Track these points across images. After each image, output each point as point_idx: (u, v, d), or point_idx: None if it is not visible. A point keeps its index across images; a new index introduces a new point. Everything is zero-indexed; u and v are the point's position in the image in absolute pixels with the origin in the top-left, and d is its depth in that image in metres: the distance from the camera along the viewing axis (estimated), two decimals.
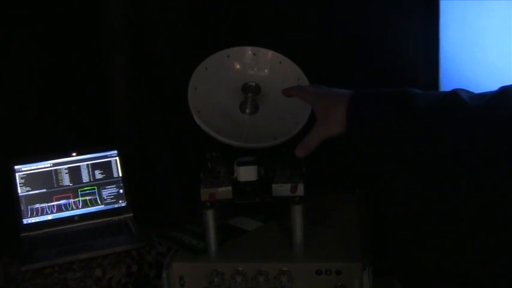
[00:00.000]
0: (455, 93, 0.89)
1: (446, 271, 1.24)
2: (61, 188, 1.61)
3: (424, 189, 1.12)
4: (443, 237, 1.21)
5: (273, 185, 1.16)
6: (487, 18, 1.23)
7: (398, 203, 1.31)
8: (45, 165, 1.60)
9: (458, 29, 1.30)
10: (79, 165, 1.63)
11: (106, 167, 1.64)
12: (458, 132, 0.87)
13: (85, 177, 1.62)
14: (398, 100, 0.94)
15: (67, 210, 1.61)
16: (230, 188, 1.17)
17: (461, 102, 0.88)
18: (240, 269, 1.17)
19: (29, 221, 1.58)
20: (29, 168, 1.59)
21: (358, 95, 1.00)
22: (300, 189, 1.16)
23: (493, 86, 1.16)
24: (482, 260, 1.15)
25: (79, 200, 1.62)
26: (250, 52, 1.29)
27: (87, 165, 1.63)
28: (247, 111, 1.25)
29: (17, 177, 1.58)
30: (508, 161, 0.85)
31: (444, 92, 0.92)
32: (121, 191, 1.64)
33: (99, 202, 1.63)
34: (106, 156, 1.64)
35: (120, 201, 1.64)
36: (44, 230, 1.59)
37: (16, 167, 1.59)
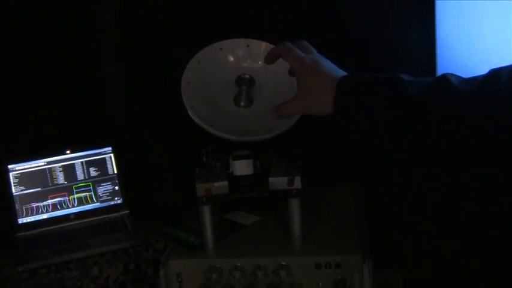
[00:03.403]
0: (445, 78, 0.87)
1: (446, 261, 1.23)
2: (56, 187, 1.59)
3: (415, 175, 1.10)
4: (441, 226, 1.20)
5: (270, 179, 1.15)
6: (484, 3, 1.22)
7: (391, 190, 1.30)
8: (39, 163, 1.59)
9: (454, 16, 1.28)
10: (73, 163, 1.61)
11: (101, 164, 1.62)
12: (448, 119, 0.85)
13: (80, 175, 1.61)
14: (388, 86, 0.91)
15: (62, 208, 1.59)
16: (226, 182, 1.16)
17: (452, 87, 0.85)
18: (238, 264, 1.16)
19: (24, 221, 1.57)
20: (23, 167, 1.57)
21: (346, 79, 0.96)
22: (297, 182, 1.15)
23: None
24: (481, 249, 1.14)
25: (74, 198, 1.60)
26: (243, 44, 1.27)
27: (82, 162, 1.61)
28: (242, 104, 1.23)
29: (11, 177, 1.56)
30: (500, 148, 0.83)
31: (433, 77, 0.90)
32: (116, 187, 1.63)
33: (95, 200, 1.61)
34: (100, 153, 1.63)
35: (116, 198, 1.63)
36: (40, 229, 1.57)
37: (10, 166, 1.57)
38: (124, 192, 1.63)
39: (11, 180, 1.56)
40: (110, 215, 1.61)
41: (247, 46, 1.27)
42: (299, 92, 1.02)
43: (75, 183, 1.60)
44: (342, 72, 0.99)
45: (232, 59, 1.27)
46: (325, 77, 0.98)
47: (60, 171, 1.59)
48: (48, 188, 1.59)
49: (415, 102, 0.87)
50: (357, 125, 0.93)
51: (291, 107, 1.04)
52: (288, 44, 1.06)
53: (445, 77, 0.88)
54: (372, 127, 0.92)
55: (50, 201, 1.58)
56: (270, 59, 1.12)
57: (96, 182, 1.62)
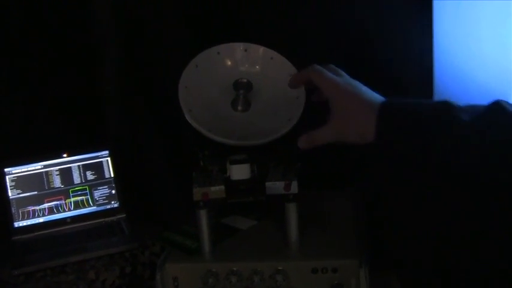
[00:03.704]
0: (500, 105, 0.82)
1: (445, 266, 1.23)
2: (52, 190, 1.59)
3: (456, 203, 1.04)
4: (440, 229, 1.19)
5: (267, 183, 1.15)
6: (481, 8, 1.22)
7: (390, 194, 1.27)
8: (35, 167, 1.58)
9: (452, 20, 1.28)
10: (70, 167, 1.60)
11: (98, 168, 1.62)
12: (507, 146, 0.80)
13: (76, 179, 1.60)
14: (439, 112, 0.85)
15: (59, 212, 1.59)
16: (223, 187, 1.16)
17: (509, 114, 0.80)
18: (235, 269, 1.16)
19: (20, 224, 1.56)
20: (20, 170, 1.57)
21: (389, 104, 0.90)
22: (294, 187, 1.14)
23: (489, 78, 1.15)
24: (480, 252, 1.13)
25: (71, 202, 1.59)
26: (241, 48, 1.27)
27: (79, 166, 1.61)
28: (239, 108, 1.23)
29: (7, 180, 1.56)
30: None
31: (485, 105, 0.84)
32: (113, 191, 1.62)
33: (91, 203, 1.61)
34: (97, 157, 1.62)
35: (113, 202, 1.62)
36: (36, 233, 1.56)
37: (6, 169, 1.56)
38: (121, 195, 1.63)
39: (8, 184, 1.56)
40: (107, 219, 1.61)
41: (245, 50, 1.27)
42: (334, 118, 0.96)
43: (71, 186, 1.60)
44: (379, 97, 0.94)
45: (229, 63, 1.27)
46: (364, 102, 0.92)
47: (56, 175, 1.59)
48: (44, 192, 1.58)
49: (470, 129, 0.82)
50: (402, 154, 0.87)
51: (324, 134, 0.98)
52: (317, 67, 1.01)
53: (499, 104, 0.83)
54: (421, 155, 0.85)
55: (46, 205, 1.58)
56: (297, 82, 1.08)
57: (93, 185, 1.61)
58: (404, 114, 0.88)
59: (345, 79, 0.98)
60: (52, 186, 1.59)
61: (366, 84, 0.98)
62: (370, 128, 0.89)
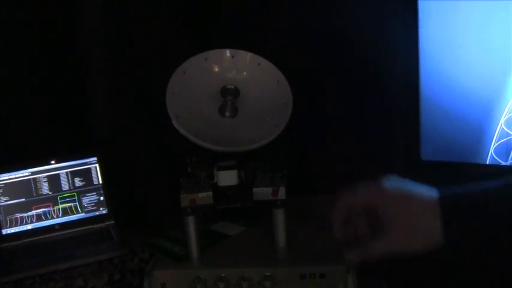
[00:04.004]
0: None
1: (435, 271, 1.23)
2: (40, 197, 1.58)
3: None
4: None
5: (254, 189, 1.15)
6: (467, 15, 1.23)
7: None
8: (23, 174, 1.58)
9: (437, 27, 1.29)
10: (58, 173, 1.60)
11: (86, 175, 1.62)
12: None
13: (64, 185, 1.60)
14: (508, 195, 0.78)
15: (47, 219, 1.58)
16: (211, 193, 1.16)
17: None
18: (223, 275, 1.16)
19: (8, 231, 1.56)
20: (7, 177, 1.56)
21: (450, 196, 0.81)
22: (282, 193, 1.14)
23: (474, 83, 1.15)
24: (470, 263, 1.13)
25: (59, 209, 1.59)
26: (228, 55, 1.27)
27: (67, 173, 1.60)
28: (227, 114, 1.24)
29: None
30: None
31: None
32: (101, 198, 1.62)
33: (80, 210, 1.60)
34: (86, 164, 1.62)
35: (101, 209, 1.62)
36: (24, 240, 1.56)
37: None
38: (109, 202, 1.62)
39: None
40: (95, 226, 1.61)
41: (232, 56, 1.27)
42: (391, 228, 0.84)
43: (59, 193, 1.60)
44: (431, 190, 0.83)
45: (217, 69, 1.27)
46: (421, 202, 0.82)
47: (44, 182, 1.59)
48: (32, 199, 1.58)
49: None
50: (477, 245, 0.80)
51: (383, 246, 0.85)
52: (349, 191, 0.92)
53: None
54: (495, 242, 0.79)
55: (34, 212, 1.57)
56: (343, 217, 0.96)
57: (81, 192, 1.61)
58: (470, 203, 0.80)
59: (387, 183, 0.86)
60: (40, 193, 1.58)
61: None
62: (436, 227, 0.80)
